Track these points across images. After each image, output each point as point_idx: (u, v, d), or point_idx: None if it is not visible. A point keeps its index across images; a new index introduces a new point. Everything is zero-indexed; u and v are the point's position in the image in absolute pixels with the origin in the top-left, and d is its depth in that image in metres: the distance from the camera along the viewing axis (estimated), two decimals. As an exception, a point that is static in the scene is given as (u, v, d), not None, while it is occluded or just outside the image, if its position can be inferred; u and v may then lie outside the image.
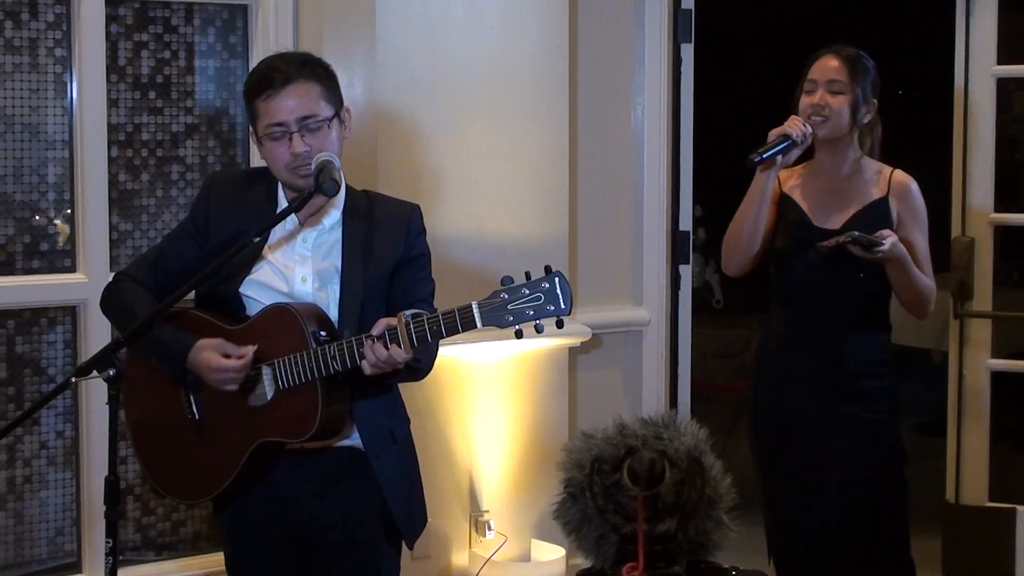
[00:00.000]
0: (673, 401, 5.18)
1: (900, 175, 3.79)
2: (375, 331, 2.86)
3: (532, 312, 2.77)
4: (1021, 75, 5.19)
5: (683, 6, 5.10)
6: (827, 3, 9.98)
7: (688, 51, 5.14)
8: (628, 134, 5.09)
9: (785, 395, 3.81)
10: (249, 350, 2.96)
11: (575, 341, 4.78)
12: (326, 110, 3.03)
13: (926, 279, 3.73)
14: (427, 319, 2.81)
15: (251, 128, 3.10)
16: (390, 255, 3.09)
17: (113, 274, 3.27)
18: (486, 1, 4.50)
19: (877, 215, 3.73)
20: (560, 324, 2.78)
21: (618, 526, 4.23)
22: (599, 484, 4.23)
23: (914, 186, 3.79)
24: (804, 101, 3.75)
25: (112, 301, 3.16)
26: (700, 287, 9.25)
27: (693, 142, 5.20)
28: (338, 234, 3.09)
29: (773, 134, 3.68)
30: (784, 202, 3.80)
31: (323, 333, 2.95)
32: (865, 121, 3.76)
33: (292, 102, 2.99)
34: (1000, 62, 5.01)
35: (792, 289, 3.81)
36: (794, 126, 3.67)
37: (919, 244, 3.73)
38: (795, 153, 3.69)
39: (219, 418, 3.04)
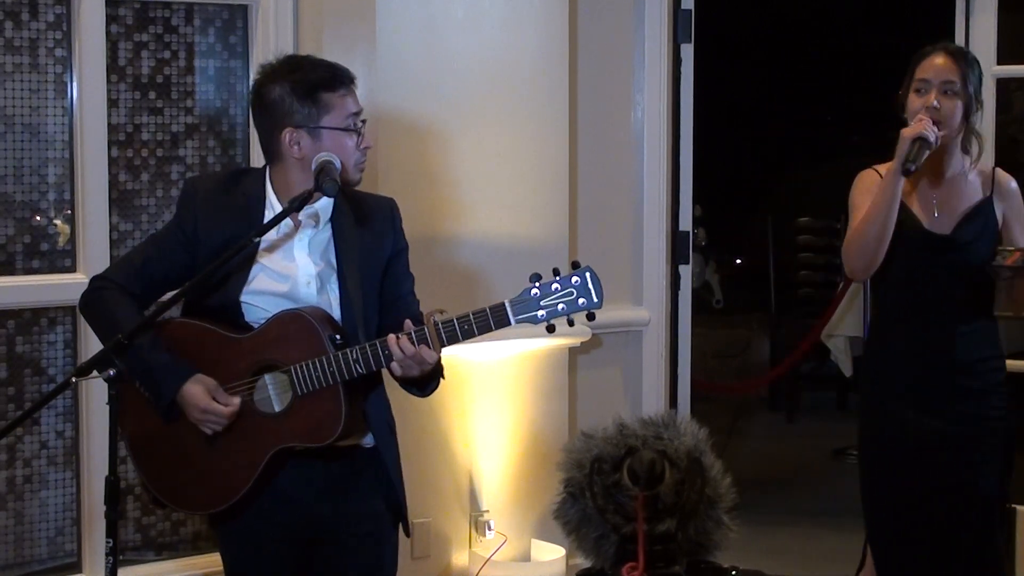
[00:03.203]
0: (673, 401, 5.18)
1: (1002, 174, 3.73)
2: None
3: (564, 307, 2.84)
4: (1021, 75, 5.20)
5: (683, 6, 5.11)
6: (827, 3, 9.98)
7: (688, 51, 5.15)
8: (628, 134, 5.09)
9: (909, 406, 3.68)
10: (235, 402, 2.95)
11: (575, 341, 4.77)
12: None
13: None
14: (457, 319, 2.86)
15: (312, 121, 2.99)
16: (383, 250, 3.11)
17: (91, 277, 3.16)
18: (486, 1, 4.50)
19: (984, 216, 3.67)
20: (592, 316, 2.86)
21: (618, 526, 4.24)
22: (599, 484, 4.24)
23: (1015, 184, 3.73)
24: (916, 102, 3.62)
25: (95, 309, 3.09)
26: (700, 287, 9.24)
27: (693, 142, 5.21)
28: (328, 233, 3.08)
29: (907, 137, 3.53)
30: None
31: (338, 337, 2.96)
32: (976, 124, 3.67)
33: (356, 101, 3.07)
34: (1000, 62, 5.00)
35: (903, 290, 3.69)
36: (928, 127, 3.53)
37: None
38: (926, 154, 3.54)
39: (231, 427, 2.99)
